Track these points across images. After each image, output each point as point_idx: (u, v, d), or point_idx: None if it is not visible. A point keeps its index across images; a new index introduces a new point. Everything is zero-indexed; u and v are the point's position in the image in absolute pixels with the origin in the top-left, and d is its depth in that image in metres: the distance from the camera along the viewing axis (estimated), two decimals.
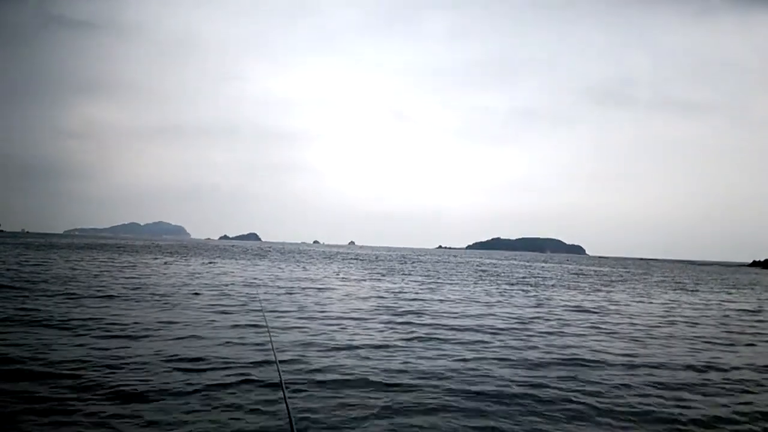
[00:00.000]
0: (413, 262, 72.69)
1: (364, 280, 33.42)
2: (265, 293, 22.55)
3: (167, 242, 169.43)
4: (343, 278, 34.85)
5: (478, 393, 8.61)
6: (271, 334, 4.93)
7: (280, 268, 43.96)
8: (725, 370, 11.23)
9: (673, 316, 21.09)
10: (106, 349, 10.31)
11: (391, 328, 14.76)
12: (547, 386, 9.16)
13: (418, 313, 17.90)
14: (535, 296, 26.75)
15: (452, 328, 15.01)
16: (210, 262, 46.75)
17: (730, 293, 36.70)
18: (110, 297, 18.31)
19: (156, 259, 48.55)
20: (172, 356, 10.04)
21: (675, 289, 37.75)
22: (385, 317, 16.82)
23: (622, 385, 9.57)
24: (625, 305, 24.44)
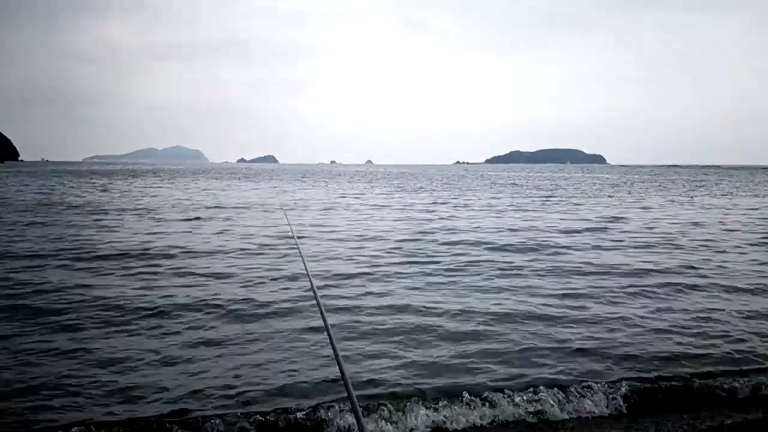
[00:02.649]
0: (431, 180, 71.27)
1: (386, 197, 32.28)
2: (294, 217, 21.87)
3: (187, 167, 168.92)
4: (367, 197, 33.73)
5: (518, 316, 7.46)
6: (304, 258, 3.90)
7: (303, 189, 43.07)
8: None
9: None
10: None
11: (414, 243, 13.67)
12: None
13: (450, 230, 16.71)
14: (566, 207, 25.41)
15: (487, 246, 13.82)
16: (237, 185, 45.90)
17: None
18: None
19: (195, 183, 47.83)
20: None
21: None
22: (406, 236, 15.70)
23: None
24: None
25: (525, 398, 5.36)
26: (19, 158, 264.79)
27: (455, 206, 27.26)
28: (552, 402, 5.33)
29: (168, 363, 6.13)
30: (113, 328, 7.19)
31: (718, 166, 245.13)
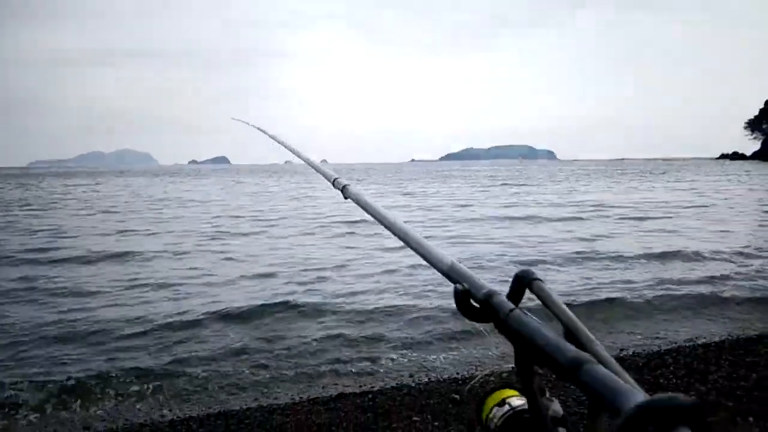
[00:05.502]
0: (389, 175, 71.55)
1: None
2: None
3: (136, 170, 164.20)
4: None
5: None
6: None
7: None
8: None
9: None
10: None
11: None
12: None
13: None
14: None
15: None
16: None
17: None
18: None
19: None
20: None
21: None
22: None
23: None
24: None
25: None
26: None
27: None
28: None
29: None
30: None
31: (664, 159, 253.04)
